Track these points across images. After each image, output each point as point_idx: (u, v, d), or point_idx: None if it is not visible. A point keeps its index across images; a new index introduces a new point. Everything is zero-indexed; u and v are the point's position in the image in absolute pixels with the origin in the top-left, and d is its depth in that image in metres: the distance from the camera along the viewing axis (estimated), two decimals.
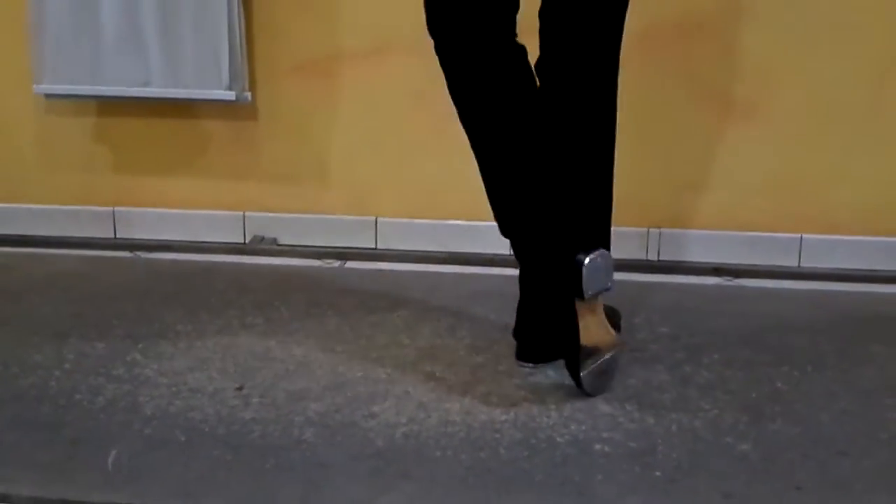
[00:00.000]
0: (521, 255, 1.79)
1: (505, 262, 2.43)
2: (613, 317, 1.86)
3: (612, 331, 1.77)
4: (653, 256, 2.45)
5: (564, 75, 1.78)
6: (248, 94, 2.46)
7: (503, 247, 2.47)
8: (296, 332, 2.01)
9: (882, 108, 2.35)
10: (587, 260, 1.66)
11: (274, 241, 2.58)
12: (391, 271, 2.44)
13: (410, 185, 2.52)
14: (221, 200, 2.58)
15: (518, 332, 1.86)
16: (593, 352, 1.70)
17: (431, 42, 2.37)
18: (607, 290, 1.72)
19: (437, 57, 1.77)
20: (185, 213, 2.59)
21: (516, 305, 1.84)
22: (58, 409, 1.67)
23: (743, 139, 2.38)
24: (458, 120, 1.75)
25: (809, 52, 2.34)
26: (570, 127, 1.78)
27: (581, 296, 1.66)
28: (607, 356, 1.73)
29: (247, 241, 2.59)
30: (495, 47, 1.72)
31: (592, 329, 1.70)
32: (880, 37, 2.32)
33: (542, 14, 1.78)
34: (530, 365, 1.84)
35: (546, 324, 1.79)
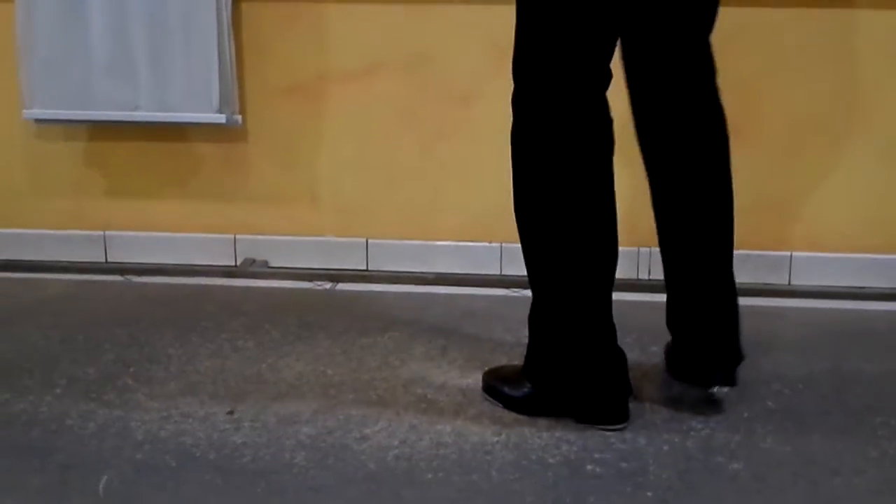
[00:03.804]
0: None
1: (495, 282, 2.44)
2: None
3: None
4: (643, 275, 2.45)
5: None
6: (239, 117, 2.47)
7: (493, 267, 2.47)
8: (287, 355, 2.01)
9: (865, 128, 2.37)
10: None
11: (265, 263, 2.58)
12: (382, 293, 2.44)
13: (401, 206, 2.52)
14: (212, 223, 2.58)
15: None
16: None
17: (420, 63, 2.39)
18: None
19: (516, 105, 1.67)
20: (176, 236, 2.59)
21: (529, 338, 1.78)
22: (49, 435, 1.66)
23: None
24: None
25: (792, 74, 2.35)
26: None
27: None
28: None
29: (238, 264, 2.59)
30: (583, 106, 1.68)
31: None
32: (862, 58, 2.34)
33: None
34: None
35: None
